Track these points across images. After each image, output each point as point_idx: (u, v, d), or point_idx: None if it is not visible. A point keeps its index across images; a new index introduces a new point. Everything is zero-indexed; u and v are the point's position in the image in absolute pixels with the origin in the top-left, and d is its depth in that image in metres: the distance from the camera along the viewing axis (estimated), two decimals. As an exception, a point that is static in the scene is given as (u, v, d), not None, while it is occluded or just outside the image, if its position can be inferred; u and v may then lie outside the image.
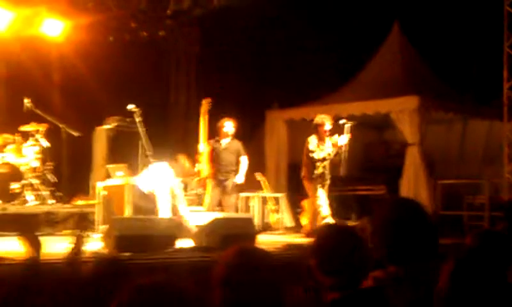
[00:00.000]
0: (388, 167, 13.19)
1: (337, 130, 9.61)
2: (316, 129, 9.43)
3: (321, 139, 9.37)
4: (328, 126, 9.33)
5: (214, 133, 9.97)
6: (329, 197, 9.60)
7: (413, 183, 11.19)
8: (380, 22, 13.55)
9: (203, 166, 9.70)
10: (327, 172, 9.46)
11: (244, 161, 9.82)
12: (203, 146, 9.74)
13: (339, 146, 9.37)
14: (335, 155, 9.44)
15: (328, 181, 9.52)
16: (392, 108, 11.46)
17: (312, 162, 9.35)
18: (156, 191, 8.53)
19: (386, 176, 12.88)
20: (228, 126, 9.82)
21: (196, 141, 10.12)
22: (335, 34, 13.67)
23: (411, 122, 11.15)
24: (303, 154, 9.52)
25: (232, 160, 9.83)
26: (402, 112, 11.26)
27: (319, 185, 9.34)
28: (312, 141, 9.36)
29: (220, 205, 9.77)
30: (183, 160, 8.94)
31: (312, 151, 9.30)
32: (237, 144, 9.93)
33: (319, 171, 9.35)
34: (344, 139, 9.35)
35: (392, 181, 12.21)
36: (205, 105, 9.79)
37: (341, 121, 9.62)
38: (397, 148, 12.95)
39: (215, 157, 9.75)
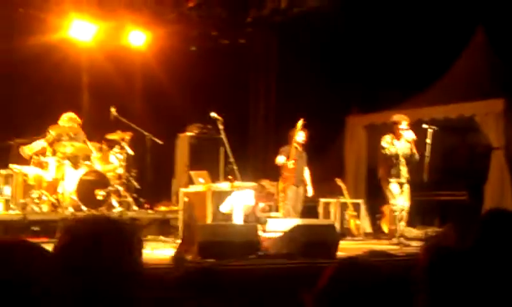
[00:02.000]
0: (471, 171, 12.83)
1: (420, 134, 9.45)
2: (392, 128, 9.38)
3: (396, 138, 9.29)
4: (404, 125, 9.23)
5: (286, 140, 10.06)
6: (411, 203, 9.43)
7: (498, 189, 10.89)
8: (464, 24, 13.21)
9: (287, 174, 9.83)
10: (404, 172, 9.30)
11: (307, 172, 10.27)
12: (283, 158, 9.83)
13: (411, 141, 9.23)
14: (411, 156, 9.27)
15: (406, 185, 9.34)
16: (477, 111, 11.22)
17: (387, 161, 9.26)
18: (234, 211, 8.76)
19: (468, 181, 12.55)
20: (302, 136, 9.98)
21: (276, 150, 10.22)
22: (417, 36, 13.40)
23: (496, 125, 10.89)
24: (378, 154, 9.49)
25: (303, 168, 10.20)
26: (487, 115, 11.01)
27: (396, 184, 9.23)
28: (386, 138, 9.34)
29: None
30: (268, 185, 9.05)
31: (384, 148, 9.24)
32: (305, 155, 10.29)
33: (396, 169, 9.22)
34: (410, 134, 9.22)
35: (475, 187, 11.88)
36: (300, 124, 9.94)
37: (424, 126, 9.42)
38: (481, 152, 12.57)
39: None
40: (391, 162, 9.26)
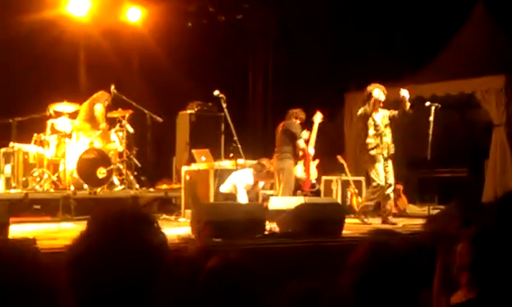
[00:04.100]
0: (471, 149, 12.84)
1: (421, 111, 9.40)
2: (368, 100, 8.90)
3: (374, 110, 8.82)
4: (379, 94, 8.80)
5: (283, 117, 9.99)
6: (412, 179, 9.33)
7: (499, 165, 10.88)
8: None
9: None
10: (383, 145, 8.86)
11: None
12: (312, 150, 9.87)
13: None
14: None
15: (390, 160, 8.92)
16: (477, 88, 11.18)
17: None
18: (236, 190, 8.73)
19: (468, 158, 12.56)
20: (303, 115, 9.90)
21: (275, 126, 10.16)
22: (416, 11, 13.32)
23: (497, 102, 10.84)
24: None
25: None
26: (488, 92, 10.96)
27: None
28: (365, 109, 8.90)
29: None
30: (268, 164, 9.00)
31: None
32: None
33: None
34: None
35: (475, 164, 11.89)
36: (318, 116, 9.86)
37: (427, 103, 9.35)
38: (482, 128, 12.58)
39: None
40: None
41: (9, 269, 1.57)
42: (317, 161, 10.09)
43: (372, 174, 8.90)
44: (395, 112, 8.97)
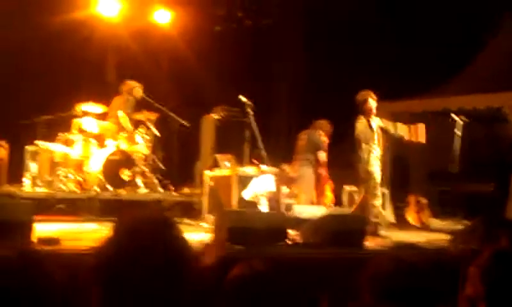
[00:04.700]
0: (498, 163, 12.69)
1: (446, 124, 9.31)
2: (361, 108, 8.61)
3: (368, 117, 8.52)
4: (372, 103, 8.51)
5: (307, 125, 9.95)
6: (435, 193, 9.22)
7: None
8: (492, 10, 13.02)
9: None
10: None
11: None
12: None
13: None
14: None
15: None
16: (505, 102, 11.08)
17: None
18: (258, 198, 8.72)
19: (495, 173, 12.42)
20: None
21: (298, 133, 10.15)
22: (444, 23, 13.23)
23: (525, 117, 10.75)
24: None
25: None
26: (516, 106, 10.88)
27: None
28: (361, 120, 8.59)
29: None
30: (288, 169, 8.99)
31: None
32: None
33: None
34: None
35: (501, 179, 11.74)
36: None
37: (454, 117, 9.25)
38: (509, 143, 12.44)
39: None
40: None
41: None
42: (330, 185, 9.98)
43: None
44: (389, 127, 8.72)
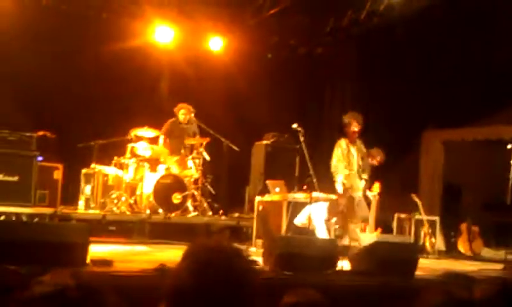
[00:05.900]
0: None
1: (499, 153, 9.17)
2: (345, 131, 9.14)
3: (351, 142, 9.09)
4: (355, 127, 9.01)
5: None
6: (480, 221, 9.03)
7: None
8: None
9: None
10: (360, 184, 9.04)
11: None
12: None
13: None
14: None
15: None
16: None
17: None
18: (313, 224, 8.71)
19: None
20: None
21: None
22: (499, 49, 13.02)
23: None
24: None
25: None
26: None
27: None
28: (341, 143, 9.13)
29: None
30: (342, 204, 8.97)
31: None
32: None
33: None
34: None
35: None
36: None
37: (509, 146, 9.10)
38: None
39: None
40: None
41: None
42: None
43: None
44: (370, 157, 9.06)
